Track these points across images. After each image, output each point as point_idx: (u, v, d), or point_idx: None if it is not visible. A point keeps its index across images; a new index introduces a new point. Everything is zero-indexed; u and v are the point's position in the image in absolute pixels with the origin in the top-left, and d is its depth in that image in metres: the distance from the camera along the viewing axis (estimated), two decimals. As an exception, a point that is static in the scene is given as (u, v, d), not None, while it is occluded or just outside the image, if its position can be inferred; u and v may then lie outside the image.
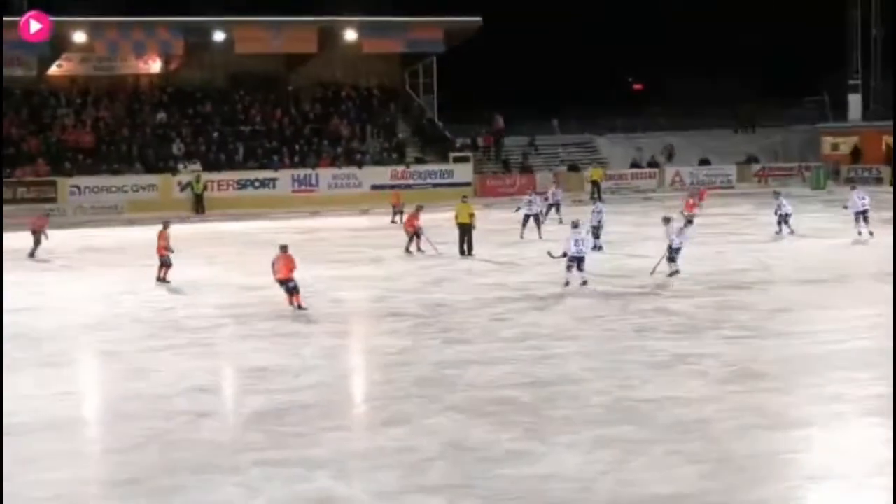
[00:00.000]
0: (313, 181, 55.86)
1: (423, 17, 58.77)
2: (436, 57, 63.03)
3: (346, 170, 56.62)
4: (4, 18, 49.00)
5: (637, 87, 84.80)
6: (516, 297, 27.11)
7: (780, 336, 22.17)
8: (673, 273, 29.18)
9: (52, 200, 51.22)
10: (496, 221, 42.87)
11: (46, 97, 57.47)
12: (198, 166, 54.52)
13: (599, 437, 15.24)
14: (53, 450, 15.34)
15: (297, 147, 57.56)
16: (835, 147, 66.81)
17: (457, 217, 35.10)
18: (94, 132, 55.88)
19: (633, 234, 38.02)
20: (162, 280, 29.92)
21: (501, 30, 62.46)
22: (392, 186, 55.55)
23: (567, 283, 28.15)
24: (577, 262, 28.15)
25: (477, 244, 34.73)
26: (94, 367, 21.75)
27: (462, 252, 34.50)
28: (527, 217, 39.14)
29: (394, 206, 45.48)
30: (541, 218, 39.48)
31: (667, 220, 30.23)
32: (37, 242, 35.49)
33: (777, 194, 39.68)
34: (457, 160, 58.84)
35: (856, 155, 64.84)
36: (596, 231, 35.32)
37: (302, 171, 55.95)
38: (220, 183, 54.27)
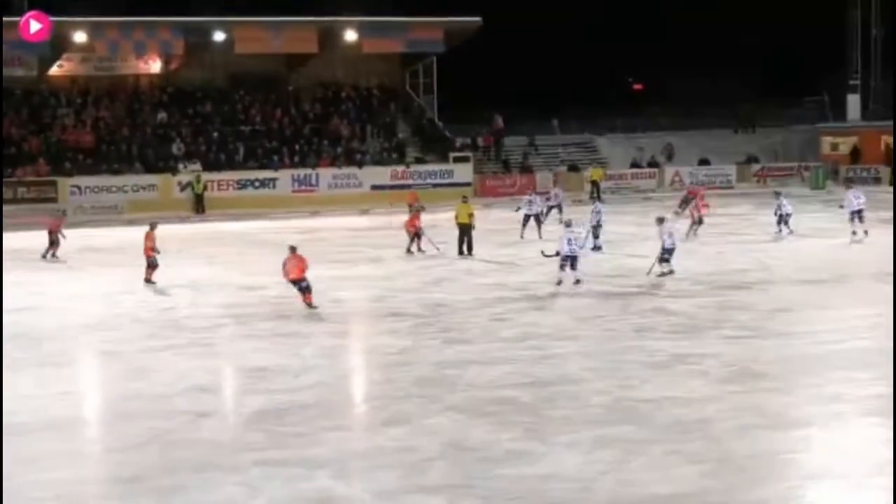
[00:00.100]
0: (313, 181, 55.83)
1: (423, 18, 58.75)
2: (436, 57, 63.03)
3: (346, 170, 56.57)
4: (4, 18, 48.99)
5: (637, 87, 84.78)
6: (516, 297, 27.13)
7: (780, 336, 22.19)
8: (663, 273, 29.22)
9: (53, 200, 51.13)
10: (496, 221, 42.90)
11: (47, 97, 57.45)
12: (198, 166, 54.50)
13: (599, 437, 15.25)
14: (53, 449, 15.35)
15: (297, 147, 57.55)
16: (834, 147, 66.83)
17: (456, 217, 35.14)
18: (95, 132, 55.86)
19: (633, 234, 38.02)
20: (148, 281, 29.81)
21: (501, 30, 62.40)
22: (392, 187, 55.79)
23: (560, 282, 28.38)
24: (571, 260, 28.40)
25: (477, 244, 34.74)
26: (94, 366, 21.77)
27: (461, 252, 34.51)
28: (527, 217, 39.16)
29: (410, 206, 45.54)
30: (541, 218, 39.48)
31: (660, 221, 30.24)
32: (51, 243, 35.36)
33: (777, 194, 39.73)
34: (457, 160, 58.80)
35: (855, 155, 64.86)
36: (595, 231, 35.40)
37: (302, 171, 55.91)
38: (220, 183, 54.23)
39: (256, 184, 54.97)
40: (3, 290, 26.42)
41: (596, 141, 67.81)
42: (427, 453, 14.79)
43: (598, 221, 35.76)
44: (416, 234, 35.15)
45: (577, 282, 28.29)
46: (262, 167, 55.80)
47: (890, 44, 66.71)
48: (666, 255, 29.42)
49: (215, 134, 57.50)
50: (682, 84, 70.92)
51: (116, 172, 53.57)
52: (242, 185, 54.75)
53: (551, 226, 39.48)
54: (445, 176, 57.62)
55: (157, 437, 15.73)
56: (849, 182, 50.57)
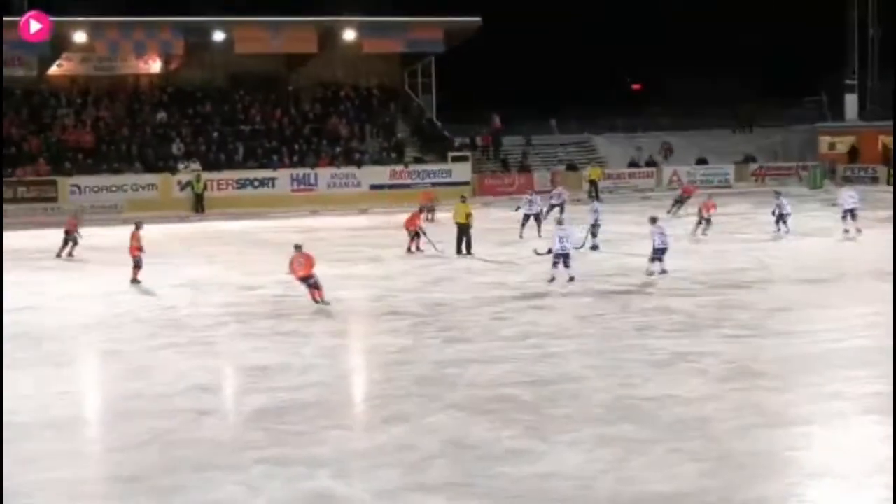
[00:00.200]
0: (312, 181, 55.88)
1: (423, 18, 58.80)
2: (434, 57, 63.10)
3: (345, 169, 56.62)
4: (4, 18, 49.01)
5: (635, 86, 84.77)
6: (516, 296, 27.17)
7: (779, 335, 22.21)
8: (652, 273, 29.30)
9: (53, 200, 51.32)
10: (495, 221, 42.97)
11: (47, 97, 57.51)
12: (197, 166, 54.55)
13: (600, 436, 15.26)
14: (54, 449, 15.35)
15: (296, 147, 57.60)
16: (832, 147, 66.96)
17: (454, 217, 35.17)
18: (95, 132, 55.91)
19: (631, 234, 38.01)
20: (134, 281, 29.73)
21: (500, 30, 62.42)
22: (391, 186, 55.88)
23: (552, 279, 28.60)
24: (563, 258, 28.63)
25: (476, 243, 34.77)
26: (94, 366, 21.75)
27: (458, 251, 34.52)
28: (526, 216, 39.18)
29: (425, 205, 45.72)
30: (541, 217, 39.48)
31: (653, 220, 30.28)
32: (66, 242, 35.29)
33: (777, 194, 39.83)
34: (455, 159, 58.88)
35: (853, 154, 64.99)
36: (594, 230, 35.44)
37: (301, 171, 55.97)
38: (219, 182, 54.29)
39: (256, 183, 55.02)
40: (4, 289, 26.42)
41: (594, 140, 67.91)
42: (427, 452, 14.79)
43: (596, 221, 35.80)
44: (416, 234, 35.16)
45: (571, 279, 28.45)
46: (262, 167, 55.87)
47: (888, 44, 66.81)
48: (657, 254, 29.49)
49: (215, 134, 57.56)
50: (682, 84, 70.94)
51: (116, 172, 53.63)
52: (242, 184, 54.80)
53: (551, 225, 39.50)
54: (444, 175, 57.64)
55: (157, 437, 15.72)
56: (846, 180, 50.71)
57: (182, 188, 53.59)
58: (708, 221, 38.18)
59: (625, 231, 37.72)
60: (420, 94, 64.46)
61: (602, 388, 18.02)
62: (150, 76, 60.45)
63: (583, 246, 34.70)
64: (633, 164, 64.42)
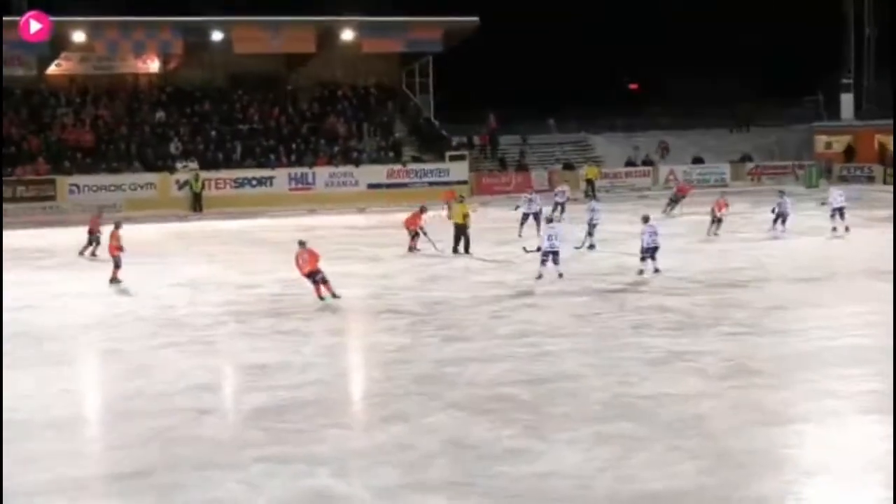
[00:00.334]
0: (310, 180, 55.92)
1: (423, 17, 58.87)
2: (432, 56, 63.15)
3: (342, 168, 56.68)
4: (4, 18, 49.05)
5: (633, 86, 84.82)
6: (514, 295, 27.25)
7: (776, 333, 22.27)
8: (642, 272, 29.43)
9: (52, 199, 51.42)
10: (493, 220, 43.06)
11: (46, 97, 57.54)
12: (195, 165, 54.59)
13: (598, 434, 15.32)
14: (54, 448, 15.38)
15: (294, 146, 57.65)
16: (828, 146, 67.11)
17: (452, 217, 35.20)
18: (94, 131, 55.94)
19: (628, 233, 38.02)
20: (114, 280, 29.68)
21: (498, 29, 62.47)
22: (388, 185, 55.98)
23: (539, 276, 28.89)
24: (552, 255, 28.88)
25: (474, 242, 34.83)
26: (94, 365, 21.79)
27: (455, 250, 34.58)
28: (525, 216, 39.23)
29: (447, 202, 45.78)
30: (540, 216, 39.47)
31: (645, 219, 30.38)
32: (90, 242, 35.29)
33: (781, 193, 39.99)
34: (453, 158, 58.94)
35: (849, 154, 65.12)
36: (591, 229, 35.53)
37: (299, 170, 56.01)
38: (217, 181, 54.33)
39: (254, 182, 55.08)
40: (3, 289, 26.47)
41: (591, 140, 68.00)
42: (427, 451, 14.84)
43: (592, 220, 35.88)
44: (415, 233, 35.18)
45: (560, 275, 28.78)
46: (260, 166, 55.92)
47: (884, 43, 66.92)
48: (646, 253, 29.59)
49: (213, 133, 57.57)
50: (680, 83, 71.01)
51: (115, 171, 53.66)
52: (240, 183, 54.84)
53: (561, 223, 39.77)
54: (441, 174, 57.71)
55: (157, 435, 15.75)
56: (843, 180, 50.91)
57: (180, 187, 53.62)
58: (720, 221, 38.15)
59: (621, 230, 37.76)
60: (418, 93, 64.48)
61: (599, 386, 18.08)
62: (149, 76, 60.49)
63: (582, 246, 34.83)
64: (629, 163, 64.53)
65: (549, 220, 30.81)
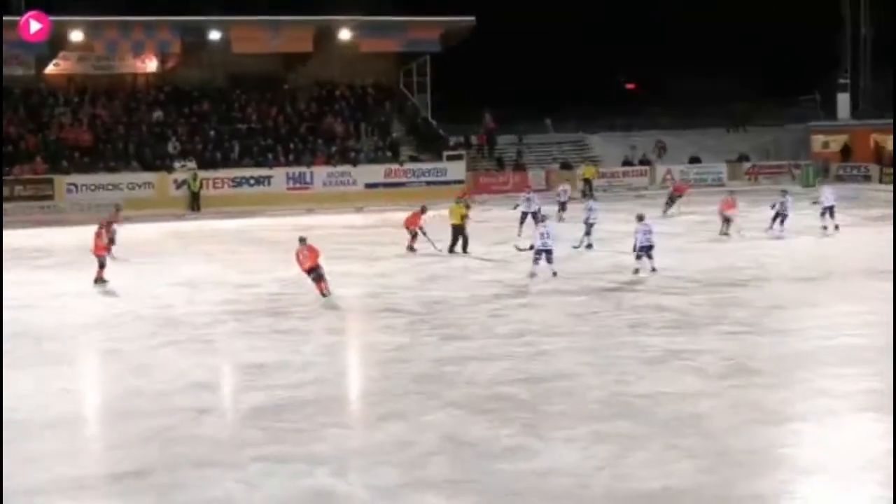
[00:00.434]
0: (308, 179, 55.96)
1: (420, 17, 58.93)
2: (430, 56, 63.19)
3: (340, 168, 56.71)
4: (4, 18, 49.12)
5: (629, 86, 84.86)
6: (512, 294, 27.32)
7: (775, 333, 22.31)
8: (638, 271, 29.50)
9: (49, 198, 51.43)
10: (491, 219, 43.13)
11: (44, 96, 57.58)
12: (193, 164, 54.61)
13: (596, 433, 15.36)
14: (54, 447, 15.41)
15: (292, 145, 57.70)
16: (825, 145, 67.24)
17: (450, 217, 35.24)
18: (92, 130, 55.96)
19: (625, 232, 38.07)
20: (99, 281, 29.60)
21: (495, 29, 62.58)
22: (386, 185, 56.03)
23: (532, 275, 29.07)
24: (546, 254, 29.10)
25: (472, 241, 34.87)
26: (93, 364, 21.79)
27: (451, 250, 34.62)
28: (524, 215, 39.29)
29: (461, 200, 45.88)
30: (538, 215, 39.50)
31: (640, 218, 30.45)
32: (111, 241, 35.32)
33: (784, 192, 40.11)
34: (450, 158, 58.99)
35: (845, 153, 65.24)
36: (588, 229, 35.60)
37: (297, 169, 56.04)
38: (215, 181, 54.34)
39: (252, 182, 55.12)
40: (3, 288, 26.50)
41: (589, 139, 68.07)
42: (426, 449, 14.88)
43: (588, 219, 35.95)
44: (415, 233, 35.18)
45: (554, 274, 28.97)
46: (258, 165, 55.96)
47: (880, 43, 67.07)
48: (641, 252, 29.66)
49: (211, 132, 57.59)
50: (678, 83, 71.11)
51: (113, 171, 53.68)
52: (238, 182, 54.87)
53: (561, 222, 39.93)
54: (439, 174, 57.76)
55: (157, 435, 15.78)
56: (839, 179, 51.09)
57: (178, 187, 53.64)
58: (728, 220, 38.14)
59: (618, 229, 37.81)
60: (415, 93, 64.52)
61: (597, 385, 18.12)
62: (147, 75, 60.49)
63: (580, 245, 34.88)
64: (626, 162, 64.59)
65: (543, 219, 30.87)
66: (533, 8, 71.75)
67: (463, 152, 60.46)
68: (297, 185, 55.62)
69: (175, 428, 16.18)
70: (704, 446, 14.83)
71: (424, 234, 35.15)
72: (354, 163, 57.08)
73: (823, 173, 62.34)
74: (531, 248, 29.65)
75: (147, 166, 54.71)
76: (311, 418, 16.52)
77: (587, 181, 56.35)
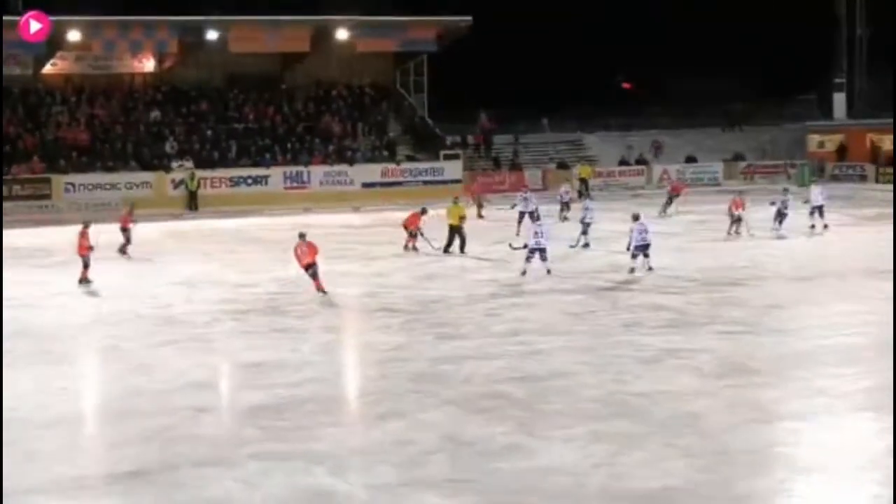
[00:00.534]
0: (305, 178, 55.95)
1: (417, 17, 58.97)
2: (426, 56, 63.23)
3: (337, 167, 56.70)
4: (3, 18, 49.14)
5: (626, 85, 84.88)
6: (509, 293, 27.39)
7: (772, 332, 22.40)
8: (633, 269, 29.57)
9: (47, 197, 51.40)
10: (488, 218, 43.18)
11: (42, 95, 57.55)
12: (190, 164, 54.62)
13: (593, 432, 15.42)
14: (54, 446, 15.46)
15: (289, 145, 57.71)
16: (821, 145, 67.34)
17: (448, 218, 35.28)
18: (89, 130, 55.97)
19: (622, 231, 38.14)
20: (84, 281, 29.55)
21: (492, 29, 62.59)
22: (383, 184, 56.08)
23: (524, 273, 29.29)
24: (539, 252, 29.40)
25: (469, 241, 34.89)
26: (93, 363, 21.84)
27: (447, 250, 34.65)
28: (522, 214, 39.36)
29: (475, 198, 45.98)
30: (536, 214, 39.59)
31: (635, 218, 30.50)
32: (127, 239, 35.37)
33: (785, 191, 40.24)
34: (447, 158, 59.02)
35: (841, 153, 65.34)
36: (585, 228, 35.67)
37: (294, 169, 56.01)
38: (212, 180, 54.34)
39: (249, 181, 55.10)
40: (2, 287, 26.52)
41: (586, 139, 68.11)
42: (424, 448, 14.94)
43: (584, 218, 36.02)
44: (414, 233, 35.18)
45: (548, 272, 29.20)
46: (255, 165, 55.95)
47: (875, 44, 67.21)
48: (637, 251, 29.74)
49: (209, 132, 57.60)
50: (676, 83, 71.16)
51: (111, 170, 53.66)
52: (235, 182, 54.85)
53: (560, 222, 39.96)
54: (436, 173, 57.80)
55: (156, 434, 15.82)
56: (835, 179, 51.26)
57: (176, 186, 53.65)
58: (739, 220, 38.09)
59: (615, 229, 37.86)
60: (412, 93, 64.51)
61: (594, 384, 18.20)
62: (145, 75, 60.44)
63: (576, 244, 34.95)
64: (623, 162, 64.65)
65: (537, 218, 30.99)
66: (530, 8, 71.72)
67: (460, 152, 60.48)
68: (295, 185, 55.62)
69: (174, 427, 16.22)
70: (702, 445, 14.89)
71: (422, 235, 35.17)
72: (351, 162, 57.09)
73: (819, 173, 62.41)
74: (525, 246, 29.79)
75: (145, 166, 54.70)
76: (309, 417, 16.58)
77: (583, 181, 56.32)
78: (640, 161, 64.51)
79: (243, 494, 13.45)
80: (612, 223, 38.49)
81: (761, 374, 18.72)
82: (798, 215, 40.19)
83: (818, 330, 22.38)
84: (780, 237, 37.48)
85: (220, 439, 15.68)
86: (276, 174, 55.43)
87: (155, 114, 57.87)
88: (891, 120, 58.53)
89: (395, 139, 60.56)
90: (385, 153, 59.08)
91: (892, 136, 60.65)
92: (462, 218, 35.01)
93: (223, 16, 56.55)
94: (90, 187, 52.25)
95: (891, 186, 52.92)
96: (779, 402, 17.05)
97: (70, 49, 57.02)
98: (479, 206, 45.44)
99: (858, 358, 19.80)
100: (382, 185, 56.45)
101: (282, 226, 41.87)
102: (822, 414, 16.38)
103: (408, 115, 63.20)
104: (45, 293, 28.60)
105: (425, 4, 57.69)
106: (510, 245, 31.90)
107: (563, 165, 62.69)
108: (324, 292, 26.59)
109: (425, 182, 56.52)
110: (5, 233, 38.65)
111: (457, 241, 34.72)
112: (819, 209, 39.00)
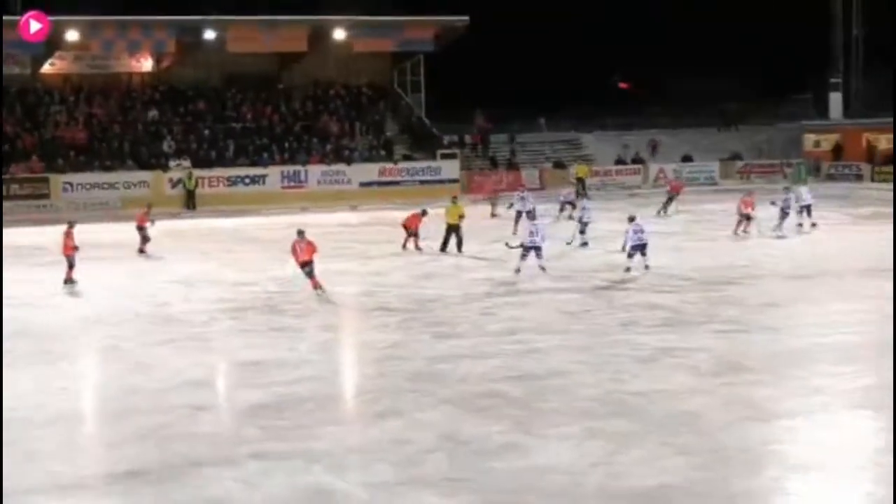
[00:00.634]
0: (303, 178, 56.06)
1: (414, 17, 59.04)
2: (423, 55, 63.30)
3: (335, 167, 56.82)
4: (3, 18, 49.20)
5: (623, 85, 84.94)
6: (505, 292, 27.44)
7: (767, 330, 22.43)
8: (629, 269, 29.63)
9: (45, 197, 51.48)
10: (485, 217, 43.21)
11: (40, 95, 57.62)
12: (188, 163, 54.67)
13: (590, 430, 15.45)
14: (53, 446, 15.47)
15: (286, 144, 57.78)
16: (817, 144, 67.51)
17: (446, 217, 35.31)
18: (87, 129, 56.02)
19: (618, 231, 38.17)
20: (69, 281, 29.49)
21: (489, 29, 62.68)
22: (380, 183, 56.13)
23: (518, 270, 29.49)
24: (535, 251, 29.57)
25: (466, 240, 34.90)
26: (91, 362, 21.83)
27: (443, 249, 34.68)
28: (519, 213, 39.41)
29: (490, 197, 46.02)
30: (534, 214, 39.59)
31: (631, 219, 30.57)
32: (144, 239, 35.37)
33: (787, 189, 40.36)
34: (444, 157, 59.10)
35: (837, 152, 65.46)
36: (582, 227, 35.73)
37: (291, 168, 56.15)
38: (210, 179, 54.43)
39: (247, 180, 55.24)
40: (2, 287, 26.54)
41: (582, 138, 68.19)
42: (422, 447, 14.96)
43: (581, 218, 36.08)
44: (414, 233, 35.18)
45: (543, 269, 29.43)
46: (253, 164, 56.04)
47: (871, 43, 67.31)
48: (633, 251, 29.81)
49: (206, 131, 57.66)
50: (673, 83, 71.25)
51: (109, 169, 53.74)
52: (233, 181, 54.99)
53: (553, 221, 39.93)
54: (433, 173, 57.87)
55: (154, 433, 15.83)
56: (831, 178, 51.43)
57: (174, 185, 53.69)
58: (749, 218, 38.10)
59: (612, 228, 37.90)
60: (409, 92, 64.67)
61: (591, 383, 18.23)
62: (143, 74, 60.55)
63: (572, 242, 35.02)
64: (619, 161, 64.73)
65: (533, 217, 31.10)
66: (527, 7, 71.78)
67: (457, 151, 60.58)
68: (292, 184, 55.71)
69: (172, 426, 16.24)
70: (698, 444, 14.92)
71: (416, 236, 35.19)
72: (349, 162, 57.19)
73: (815, 172, 62.55)
74: (521, 245, 29.93)
75: (143, 165, 54.80)
76: (307, 415, 16.61)
77: (580, 180, 56.39)
78: (637, 160, 64.58)
79: (242, 493, 13.45)
80: (609, 222, 38.52)
81: (758, 373, 18.74)
82: (798, 215, 40.34)
83: (815, 328, 22.41)
84: (780, 237, 37.52)
85: (218, 438, 15.68)
86: (273, 173, 55.55)
87: (153, 113, 57.94)
88: (886, 119, 58.67)
89: (392, 139, 60.63)
90: (382, 153, 59.16)
91: (887, 136, 60.83)
92: (461, 217, 35.04)
93: (221, 16, 56.68)
94: (88, 186, 52.39)
95: (886, 185, 53.07)
96: (775, 400, 17.06)
97: (68, 49, 57.15)
98: (493, 206, 45.50)
99: (856, 356, 19.83)
100: (380, 184, 56.55)
101: (279, 225, 41.85)
102: (819, 412, 16.41)
103: (405, 115, 63.28)
104: (44, 292, 28.62)
105: (422, 4, 57.82)
106: (507, 244, 32.04)
107: (559, 165, 62.79)
108: (321, 290, 26.63)
109: (422, 181, 56.66)
110: (4, 232, 38.63)
111: (453, 240, 34.74)
112: (807, 208, 39.31)
